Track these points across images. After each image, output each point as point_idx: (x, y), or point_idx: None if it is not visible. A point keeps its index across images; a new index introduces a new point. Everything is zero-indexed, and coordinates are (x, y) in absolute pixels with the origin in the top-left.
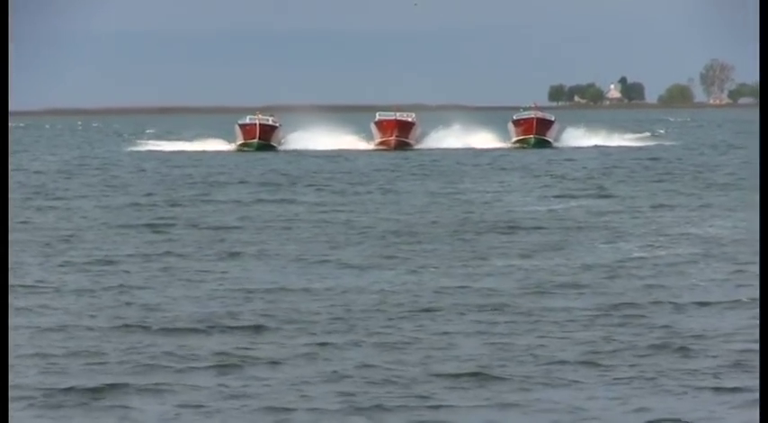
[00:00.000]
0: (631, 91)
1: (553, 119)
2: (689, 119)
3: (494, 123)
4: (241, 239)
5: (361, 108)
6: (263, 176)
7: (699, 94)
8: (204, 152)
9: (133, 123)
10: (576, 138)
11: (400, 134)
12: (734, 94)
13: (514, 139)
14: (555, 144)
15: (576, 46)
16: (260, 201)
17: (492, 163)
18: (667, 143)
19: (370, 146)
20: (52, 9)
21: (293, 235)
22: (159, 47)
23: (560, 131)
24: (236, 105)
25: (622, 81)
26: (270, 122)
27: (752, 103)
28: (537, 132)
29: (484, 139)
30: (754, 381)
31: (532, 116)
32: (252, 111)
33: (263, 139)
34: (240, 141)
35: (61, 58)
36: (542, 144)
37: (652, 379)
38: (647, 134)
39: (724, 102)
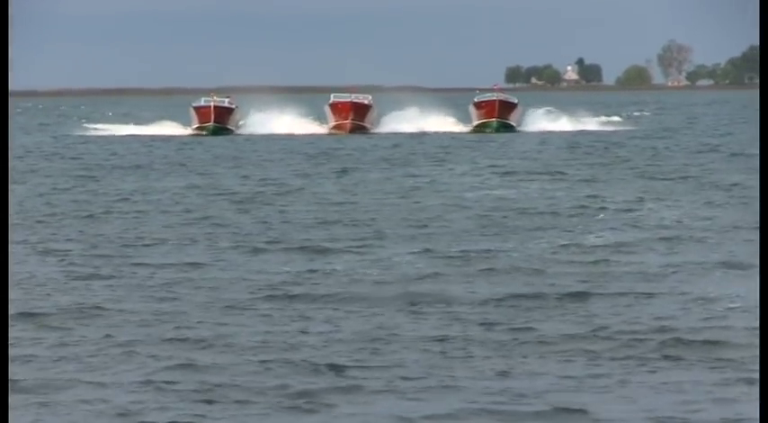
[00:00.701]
0: (589, 72)
1: (516, 101)
2: (648, 100)
3: (454, 106)
4: (176, 224)
5: (317, 89)
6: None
7: (657, 76)
8: (157, 136)
9: (84, 106)
10: (541, 121)
11: (356, 117)
12: (692, 76)
13: (476, 122)
14: (518, 128)
15: (533, 26)
16: (203, 186)
17: (449, 147)
18: (636, 127)
19: (325, 129)
20: None
21: (232, 222)
22: (112, 28)
23: (523, 114)
24: (192, 87)
25: (579, 62)
26: (226, 104)
27: (710, 85)
28: (499, 115)
29: (444, 123)
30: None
31: (494, 98)
32: (207, 92)
33: (219, 122)
34: (195, 125)
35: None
36: (505, 128)
37: (568, 371)
38: (616, 118)
39: (682, 84)
